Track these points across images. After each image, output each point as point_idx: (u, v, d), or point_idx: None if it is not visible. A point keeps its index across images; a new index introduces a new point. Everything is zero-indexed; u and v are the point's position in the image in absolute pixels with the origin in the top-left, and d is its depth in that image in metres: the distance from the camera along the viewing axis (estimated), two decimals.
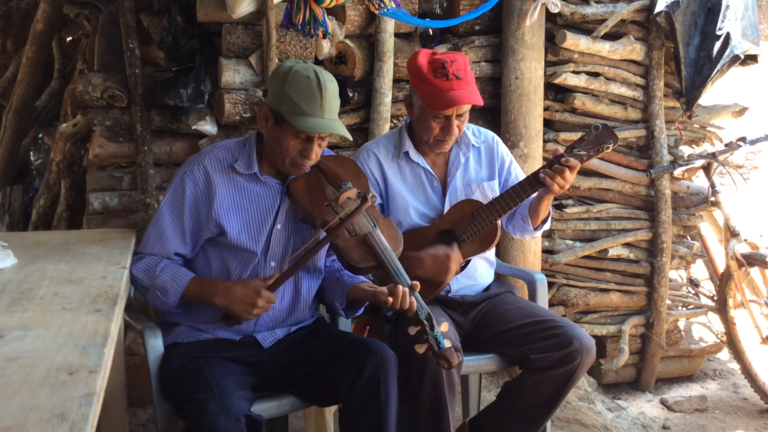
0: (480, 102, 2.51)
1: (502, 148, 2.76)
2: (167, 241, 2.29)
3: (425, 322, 2.17)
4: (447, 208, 2.64)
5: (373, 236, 2.26)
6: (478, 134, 2.74)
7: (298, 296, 2.38)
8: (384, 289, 2.27)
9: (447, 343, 2.15)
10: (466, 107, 2.53)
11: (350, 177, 2.34)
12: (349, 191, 2.27)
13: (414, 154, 2.64)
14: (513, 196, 2.53)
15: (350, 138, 2.26)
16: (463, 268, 2.64)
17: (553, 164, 2.45)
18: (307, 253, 2.22)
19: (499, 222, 2.58)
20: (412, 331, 2.16)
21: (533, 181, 2.50)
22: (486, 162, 2.72)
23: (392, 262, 2.25)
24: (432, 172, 2.66)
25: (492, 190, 2.69)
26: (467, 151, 2.68)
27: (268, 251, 2.32)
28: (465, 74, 2.50)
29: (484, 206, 2.56)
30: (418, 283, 2.23)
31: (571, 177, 2.44)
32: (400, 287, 2.20)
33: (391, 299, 2.20)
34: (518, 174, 2.74)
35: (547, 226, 2.73)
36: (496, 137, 2.78)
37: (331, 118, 2.20)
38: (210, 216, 2.26)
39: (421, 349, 2.15)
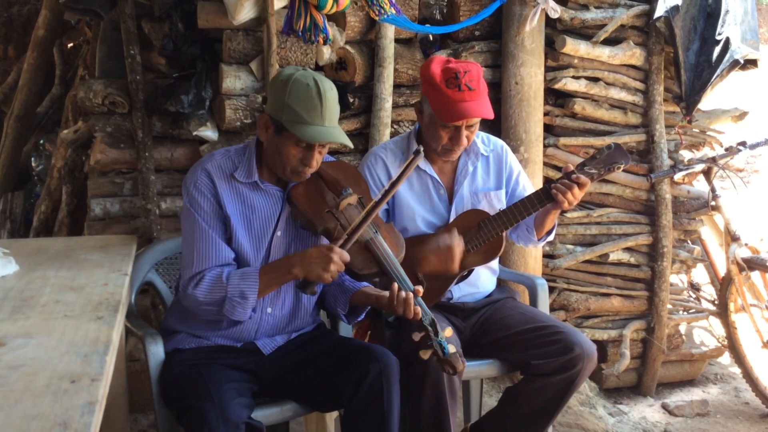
0: (491, 115, 2.49)
1: (510, 158, 2.75)
2: (222, 248, 2.23)
3: (429, 327, 2.16)
4: (453, 216, 2.63)
5: (375, 242, 2.25)
6: (487, 142, 2.72)
7: (299, 303, 2.38)
8: (386, 293, 2.26)
9: (452, 349, 2.14)
10: (477, 118, 2.51)
11: (350, 183, 2.33)
12: (349, 197, 2.27)
13: (422, 162, 2.62)
14: (521, 209, 2.52)
15: (351, 145, 2.25)
16: (466, 276, 2.64)
17: (564, 180, 2.46)
18: (368, 213, 2.16)
19: (504, 234, 2.57)
20: (417, 336, 2.15)
21: (542, 196, 2.50)
22: (494, 171, 2.71)
23: (395, 268, 2.23)
24: (439, 180, 2.65)
25: (499, 200, 2.68)
26: (476, 160, 2.67)
27: (269, 258, 2.31)
28: (478, 85, 2.48)
29: (490, 217, 2.55)
30: (420, 288, 2.22)
31: (580, 194, 2.47)
32: (403, 291, 2.19)
33: (396, 305, 2.18)
34: (526, 185, 2.74)
35: (551, 238, 2.73)
36: (506, 146, 2.76)
37: (332, 126, 2.19)
38: (227, 218, 2.25)
39: (425, 354, 2.14)
